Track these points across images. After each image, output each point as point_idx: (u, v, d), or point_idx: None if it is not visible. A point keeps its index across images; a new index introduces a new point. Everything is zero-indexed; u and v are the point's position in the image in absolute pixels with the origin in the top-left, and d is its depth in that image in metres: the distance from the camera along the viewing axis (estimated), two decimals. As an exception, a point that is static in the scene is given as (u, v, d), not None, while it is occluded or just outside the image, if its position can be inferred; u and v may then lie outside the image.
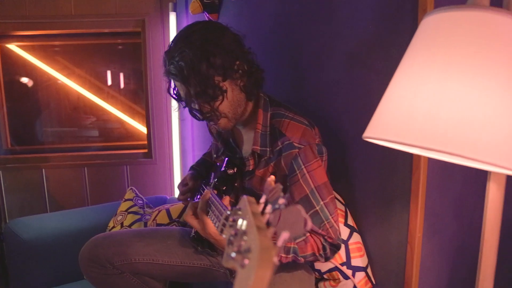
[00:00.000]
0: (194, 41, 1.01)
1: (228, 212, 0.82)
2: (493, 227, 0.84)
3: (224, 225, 0.85)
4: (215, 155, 1.35)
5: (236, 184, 1.19)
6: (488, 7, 0.70)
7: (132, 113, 2.82)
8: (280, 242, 0.40)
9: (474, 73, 0.67)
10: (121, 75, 2.88)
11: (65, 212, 2.06)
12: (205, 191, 1.04)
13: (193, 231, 1.27)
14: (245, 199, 0.50)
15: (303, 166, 1.04)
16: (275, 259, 0.39)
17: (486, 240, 0.86)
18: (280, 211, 0.44)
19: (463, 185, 1.03)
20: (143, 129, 2.82)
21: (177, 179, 2.50)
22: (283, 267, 1.07)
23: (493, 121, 0.66)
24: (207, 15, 1.96)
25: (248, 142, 1.19)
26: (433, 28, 0.75)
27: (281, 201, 0.44)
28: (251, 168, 1.14)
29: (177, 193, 2.54)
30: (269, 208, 0.46)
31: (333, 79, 1.30)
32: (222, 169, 1.18)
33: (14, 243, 1.84)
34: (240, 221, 0.48)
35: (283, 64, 1.56)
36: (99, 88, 2.86)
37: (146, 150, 2.67)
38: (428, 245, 1.15)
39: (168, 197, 2.29)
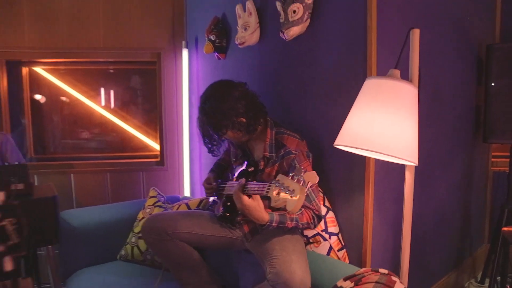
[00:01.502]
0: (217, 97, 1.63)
1: (271, 183, 1.38)
2: (408, 201, 1.47)
3: (268, 189, 1.40)
4: (234, 159, 1.92)
5: (249, 179, 1.77)
6: (398, 78, 1.33)
7: (146, 129, 3.38)
8: (307, 187, 1.00)
9: (390, 111, 1.29)
10: (135, 97, 3.45)
11: (103, 206, 2.58)
12: (241, 179, 1.59)
13: (220, 212, 1.84)
14: (281, 175, 1.10)
15: (298, 166, 1.64)
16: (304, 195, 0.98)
17: (405, 214, 1.48)
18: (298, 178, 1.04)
19: (398, 177, 1.64)
20: (150, 141, 3.38)
21: (186, 182, 3.05)
22: (288, 232, 1.65)
23: (399, 134, 1.28)
24: (217, 54, 2.55)
25: (259, 150, 1.78)
26: (372, 85, 1.37)
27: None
28: (262, 167, 1.73)
29: (186, 193, 3.10)
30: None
31: (312, 107, 1.91)
32: (244, 168, 1.76)
33: (65, 229, 2.34)
34: (280, 184, 1.08)
35: (276, 95, 2.15)
36: (118, 107, 3.41)
37: (158, 159, 3.22)
38: (377, 219, 1.76)
39: (180, 196, 2.83)
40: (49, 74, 3.48)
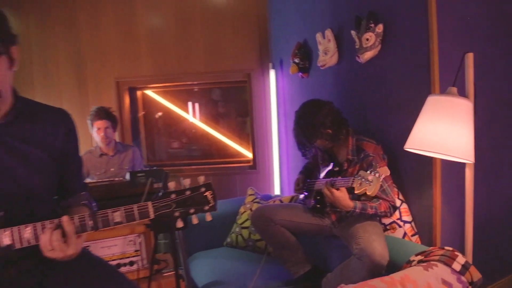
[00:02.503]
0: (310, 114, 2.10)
1: (355, 177, 1.82)
2: (469, 193, 1.81)
3: (352, 181, 1.84)
4: (321, 162, 2.37)
5: (335, 176, 2.21)
6: (456, 94, 1.70)
7: (239, 138, 3.98)
8: (381, 178, 1.43)
9: (449, 121, 1.66)
10: (228, 111, 4.07)
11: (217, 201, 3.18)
12: (329, 178, 2.04)
13: (312, 204, 2.30)
14: (361, 171, 1.53)
15: (374, 164, 2.04)
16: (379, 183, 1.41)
17: (467, 204, 1.82)
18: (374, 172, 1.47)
19: (459, 174, 1.98)
20: (242, 149, 3.96)
21: (276, 183, 3.56)
22: (368, 218, 2.05)
23: (457, 139, 1.65)
24: (301, 74, 3.03)
25: (342, 154, 2.21)
26: (434, 101, 1.75)
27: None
28: (345, 167, 2.16)
29: (277, 191, 3.61)
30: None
31: (385, 118, 2.30)
32: (330, 168, 2.21)
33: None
34: (361, 177, 1.52)
35: (354, 108, 2.56)
36: (214, 120, 4.04)
37: (251, 163, 3.78)
38: (445, 209, 2.09)
39: (272, 195, 3.34)
40: (157, 95, 4.22)
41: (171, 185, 1.21)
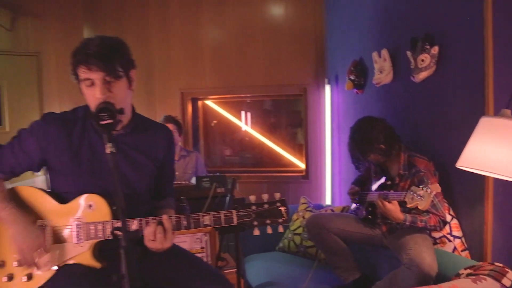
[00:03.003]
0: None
1: (407, 191, 1.95)
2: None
3: (405, 195, 1.96)
4: (374, 175, 2.50)
5: (387, 190, 2.33)
6: (509, 116, 1.78)
7: (292, 148, 4.16)
8: (432, 194, 1.56)
9: (500, 142, 1.75)
10: (283, 122, 4.27)
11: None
12: (382, 191, 2.17)
13: (363, 215, 2.43)
14: (413, 186, 1.66)
15: (426, 180, 2.14)
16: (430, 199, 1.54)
17: None
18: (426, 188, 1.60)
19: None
20: (294, 159, 4.13)
21: (328, 193, 3.70)
22: (418, 231, 2.15)
23: (507, 159, 1.73)
24: (356, 90, 3.17)
25: (395, 168, 2.32)
26: (487, 122, 1.84)
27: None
28: (397, 182, 2.28)
29: (328, 201, 3.74)
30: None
31: (438, 136, 2.39)
32: (383, 182, 2.33)
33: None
34: (413, 192, 1.65)
35: (406, 125, 2.66)
36: (266, 129, 4.27)
37: (303, 173, 3.95)
38: (497, 226, 2.15)
39: (324, 204, 3.48)
40: (216, 104, 4.50)
41: (252, 198, 1.41)
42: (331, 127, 3.66)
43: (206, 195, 2.57)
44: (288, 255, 3.05)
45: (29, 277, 1.36)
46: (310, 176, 3.86)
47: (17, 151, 1.44)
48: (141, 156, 1.40)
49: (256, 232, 1.42)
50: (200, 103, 4.47)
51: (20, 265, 1.36)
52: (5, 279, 1.36)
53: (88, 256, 1.36)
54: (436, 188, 1.85)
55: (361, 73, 3.11)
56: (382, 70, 2.78)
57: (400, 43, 2.67)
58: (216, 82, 4.04)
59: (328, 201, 3.70)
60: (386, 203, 2.07)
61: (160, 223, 1.35)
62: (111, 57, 1.37)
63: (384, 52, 2.76)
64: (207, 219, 1.37)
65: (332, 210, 3.04)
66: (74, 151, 1.45)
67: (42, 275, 1.37)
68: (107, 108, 1.26)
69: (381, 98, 2.94)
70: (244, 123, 4.39)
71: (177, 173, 3.44)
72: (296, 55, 3.85)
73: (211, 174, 2.75)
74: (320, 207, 3.33)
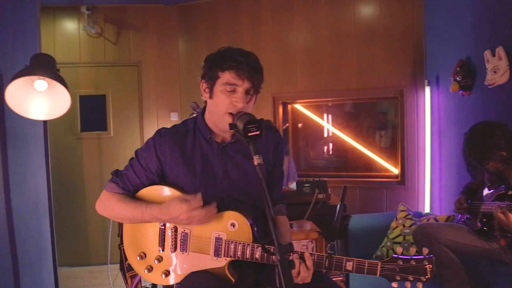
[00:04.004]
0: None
1: None
2: None
3: None
4: (489, 184, 2.32)
5: (506, 200, 2.15)
6: None
7: (385, 153, 4.02)
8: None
9: None
10: (376, 126, 4.15)
11: (362, 215, 3.30)
12: (503, 202, 2.00)
13: (478, 226, 2.26)
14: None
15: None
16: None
17: None
18: None
19: None
20: (387, 164, 3.98)
21: (427, 200, 3.52)
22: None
23: None
24: (462, 92, 2.97)
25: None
26: None
27: None
28: (519, 192, 2.09)
29: (427, 209, 3.56)
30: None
31: None
32: (502, 192, 2.16)
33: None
34: None
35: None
36: (360, 133, 4.16)
37: (398, 179, 3.80)
38: None
39: (423, 212, 3.31)
40: (305, 108, 4.49)
41: (398, 250, 1.35)
42: (431, 130, 3.47)
43: (307, 200, 2.57)
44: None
45: (166, 274, 1.47)
46: (407, 182, 3.69)
47: (137, 170, 1.52)
48: (251, 162, 1.39)
49: (394, 285, 1.33)
50: (289, 106, 4.49)
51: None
52: (145, 270, 1.49)
53: (223, 270, 1.42)
54: None
55: (468, 74, 2.90)
56: (496, 70, 2.57)
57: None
58: (308, 85, 4.03)
59: (427, 208, 3.51)
60: (510, 215, 1.91)
61: (302, 258, 1.33)
62: (260, 73, 1.46)
63: (500, 50, 2.54)
64: (349, 264, 1.32)
65: (435, 219, 2.88)
66: (188, 160, 1.51)
67: (176, 276, 1.46)
68: (254, 120, 1.30)
69: (494, 100, 2.72)
70: (330, 126, 4.33)
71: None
72: (391, 56, 3.70)
73: (311, 179, 2.75)
74: (420, 215, 3.18)
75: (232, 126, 1.36)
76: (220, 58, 1.46)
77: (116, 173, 1.57)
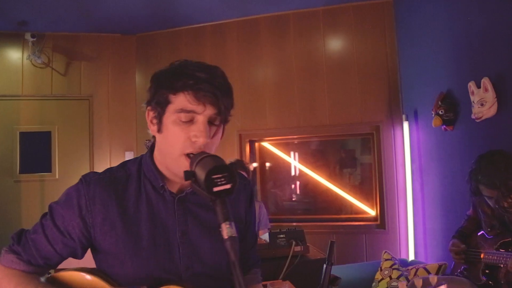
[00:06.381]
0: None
1: None
2: None
3: None
4: (488, 229, 2.03)
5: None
6: None
7: (361, 193, 3.71)
8: None
9: None
10: (349, 165, 3.85)
11: (342, 266, 2.92)
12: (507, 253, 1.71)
13: (482, 280, 1.94)
14: None
15: None
16: None
17: None
18: None
19: None
20: (363, 206, 3.67)
21: (411, 246, 3.20)
22: None
23: None
24: (444, 126, 2.74)
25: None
26: None
27: None
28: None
29: (411, 256, 3.24)
30: None
31: None
32: (509, 239, 1.86)
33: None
34: None
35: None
36: (333, 174, 3.84)
37: (378, 222, 3.47)
38: None
39: (408, 260, 2.98)
40: (273, 146, 4.18)
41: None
42: (411, 168, 3.21)
43: (282, 254, 2.17)
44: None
45: None
46: (386, 225, 3.37)
47: (51, 234, 1.03)
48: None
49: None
50: (257, 144, 4.16)
51: None
52: None
53: None
54: None
55: (451, 107, 2.69)
56: (483, 103, 2.36)
57: (505, 70, 2.27)
58: (278, 122, 3.72)
59: (411, 255, 3.19)
60: None
61: None
62: (228, 95, 1.02)
63: (486, 81, 2.34)
64: None
65: (426, 269, 2.55)
66: (129, 222, 1.04)
67: None
68: (223, 166, 0.83)
69: (480, 135, 2.49)
70: (299, 164, 4.00)
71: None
72: (366, 91, 3.49)
73: (286, 229, 2.35)
74: (405, 263, 2.85)
75: (188, 175, 0.88)
76: (171, 76, 1.00)
77: (19, 236, 1.05)
